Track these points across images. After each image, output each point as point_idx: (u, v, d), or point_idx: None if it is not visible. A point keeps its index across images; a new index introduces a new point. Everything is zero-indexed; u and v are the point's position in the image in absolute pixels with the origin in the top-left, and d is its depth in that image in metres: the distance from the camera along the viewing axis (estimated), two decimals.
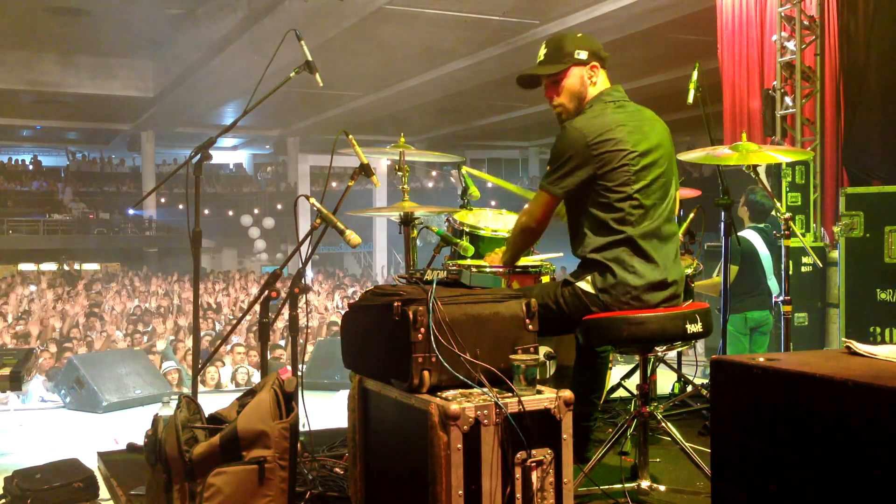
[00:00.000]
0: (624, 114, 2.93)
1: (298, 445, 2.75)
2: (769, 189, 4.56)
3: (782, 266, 4.09)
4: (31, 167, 28.16)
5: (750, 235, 5.68)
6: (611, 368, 3.80)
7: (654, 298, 2.84)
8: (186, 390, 7.00)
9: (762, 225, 5.78)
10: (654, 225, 2.86)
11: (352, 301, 2.76)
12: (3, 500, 3.42)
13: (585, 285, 2.85)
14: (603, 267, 2.83)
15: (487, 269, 3.54)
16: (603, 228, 2.85)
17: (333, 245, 21.29)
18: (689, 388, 4.35)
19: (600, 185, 2.84)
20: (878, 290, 5.56)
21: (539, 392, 2.34)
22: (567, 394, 2.34)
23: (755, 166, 3.98)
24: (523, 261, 3.68)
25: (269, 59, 3.49)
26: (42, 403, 7.20)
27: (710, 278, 5.85)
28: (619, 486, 2.83)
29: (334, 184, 19.88)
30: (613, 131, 2.84)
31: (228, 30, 13.63)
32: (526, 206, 3.03)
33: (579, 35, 3.07)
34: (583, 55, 2.96)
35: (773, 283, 5.71)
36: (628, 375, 4.35)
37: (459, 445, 2.19)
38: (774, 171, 6.49)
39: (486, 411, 2.23)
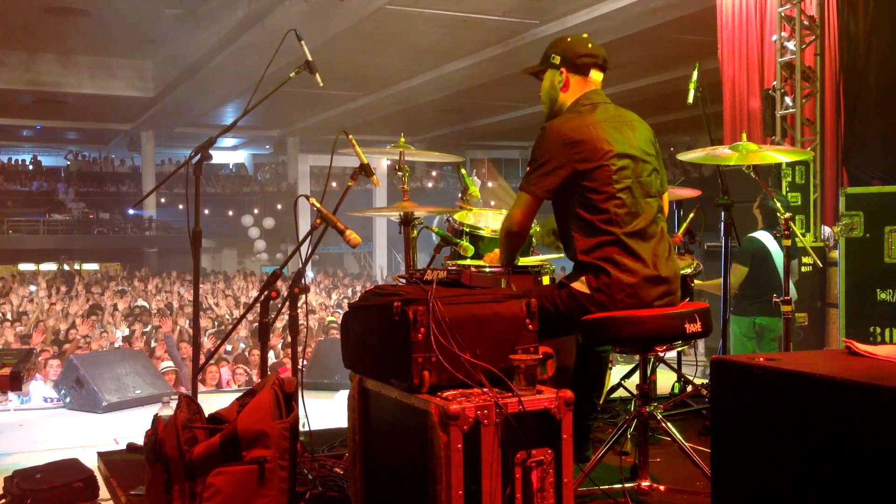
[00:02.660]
0: (603, 114, 2.97)
1: (298, 445, 2.75)
2: (769, 189, 4.55)
3: (782, 266, 4.09)
4: (31, 167, 28.16)
5: (763, 237, 5.56)
6: (611, 368, 3.80)
7: (649, 294, 2.86)
8: (186, 390, 7.00)
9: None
10: (640, 225, 2.89)
11: (352, 301, 2.76)
12: (3, 500, 3.41)
13: (580, 286, 2.86)
14: (596, 268, 2.85)
15: (487, 269, 3.54)
16: (591, 229, 2.87)
17: (333, 245, 21.28)
18: (689, 388, 4.35)
19: (582, 185, 2.88)
20: (878, 290, 5.55)
21: (539, 392, 2.34)
22: (567, 394, 2.35)
23: (756, 166, 3.98)
24: (523, 261, 3.69)
25: (269, 59, 3.50)
26: (42, 403, 7.20)
27: (718, 278, 5.77)
28: (619, 486, 2.83)
29: (334, 184, 19.85)
30: (590, 130, 2.89)
31: (228, 30, 13.62)
32: (511, 208, 3.04)
33: (569, 39, 3.12)
34: (556, 60, 3.07)
35: (791, 288, 5.56)
36: (628, 375, 4.35)
37: (459, 445, 2.19)
38: (774, 171, 6.49)
39: (486, 411, 2.23)
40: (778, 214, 4.11)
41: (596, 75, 3.08)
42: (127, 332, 11.86)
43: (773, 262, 5.52)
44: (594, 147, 2.86)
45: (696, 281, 4.21)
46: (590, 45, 3.09)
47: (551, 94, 3.10)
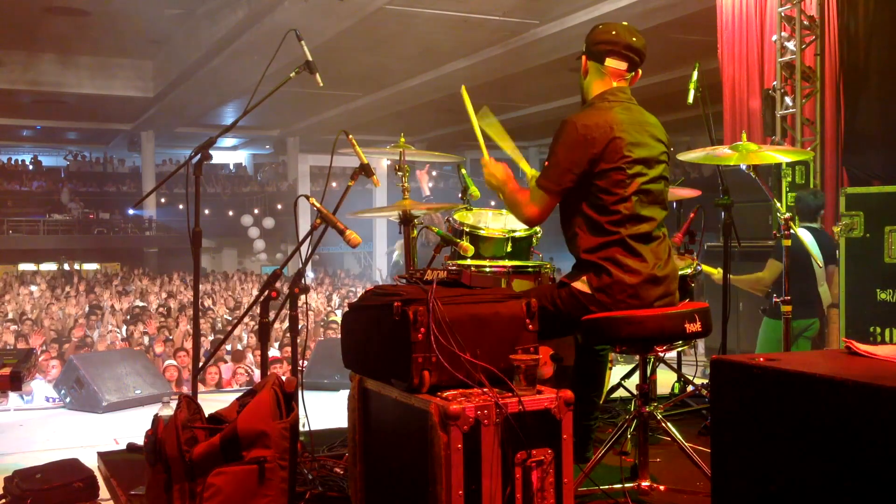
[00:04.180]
0: (626, 115, 2.93)
1: (298, 445, 2.75)
2: (769, 189, 4.54)
3: (783, 266, 4.08)
4: (31, 167, 28.16)
5: (804, 234, 5.29)
6: (611, 368, 3.80)
7: (650, 294, 2.86)
8: (186, 390, 7.00)
9: (815, 225, 5.55)
10: (645, 228, 2.88)
11: (352, 301, 2.76)
12: (3, 500, 3.41)
13: (581, 285, 2.86)
14: (598, 267, 2.84)
15: (487, 270, 3.54)
16: (597, 230, 2.86)
17: (333, 245, 21.28)
18: (689, 388, 4.35)
19: (595, 184, 2.85)
20: (878, 290, 5.54)
21: (539, 392, 2.34)
22: (567, 394, 2.35)
23: (755, 166, 3.98)
24: (522, 262, 3.70)
25: (269, 59, 3.50)
26: (44, 403, 7.20)
27: (751, 274, 5.55)
28: (619, 486, 2.83)
29: (334, 184, 19.86)
30: (613, 130, 2.85)
31: (228, 30, 13.61)
32: (529, 199, 2.98)
33: (599, 27, 3.08)
34: (583, 47, 3.08)
35: (823, 290, 5.37)
36: (628, 375, 4.35)
37: (459, 445, 2.19)
38: (774, 171, 6.48)
39: (486, 411, 2.23)
40: (778, 214, 4.10)
41: (615, 63, 2.99)
42: (126, 332, 11.85)
43: (811, 261, 5.33)
44: (612, 148, 2.83)
45: (731, 276, 4.14)
46: (613, 32, 3.01)
47: (580, 81, 3.12)
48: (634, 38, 3.01)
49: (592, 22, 11.68)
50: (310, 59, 3.47)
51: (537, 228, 3.76)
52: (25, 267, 23.56)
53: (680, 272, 3.49)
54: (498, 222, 3.96)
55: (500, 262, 3.70)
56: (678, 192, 4.41)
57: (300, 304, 3.18)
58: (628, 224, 2.85)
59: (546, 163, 2.93)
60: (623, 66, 3.01)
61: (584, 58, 3.06)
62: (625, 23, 3.08)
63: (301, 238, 3.16)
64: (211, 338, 10.62)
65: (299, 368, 3.15)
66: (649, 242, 2.90)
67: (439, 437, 2.19)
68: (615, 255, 2.84)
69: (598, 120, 2.87)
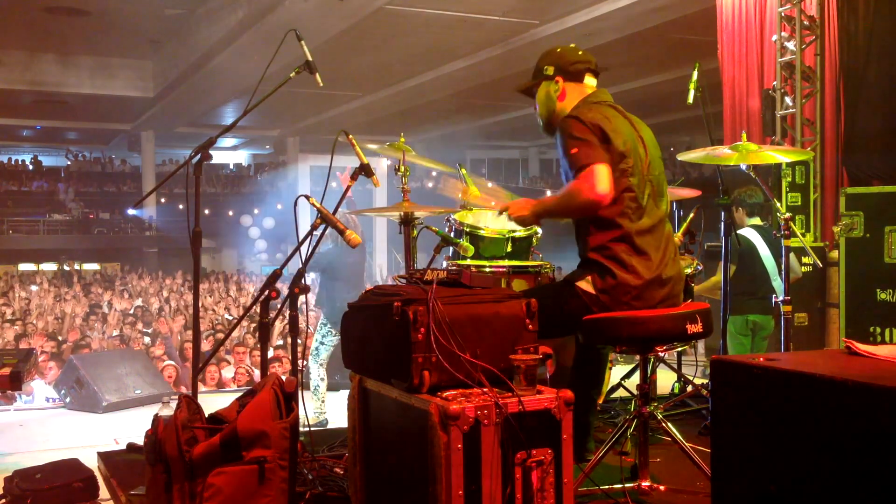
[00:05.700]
0: (613, 111, 2.99)
1: (298, 445, 2.75)
2: (769, 189, 4.55)
3: (782, 265, 4.09)
4: (31, 167, 28.18)
5: (749, 234, 5.53)
6: (611, 368, 3.80)
7: (654, 297, 2.86)
8: (185, 389, 7.00)
9: (762, 223, 5.70)
10: (649, 223, 2.89)
11: (352, 301, 2.76)
12: (3, 500, 3.41)
13: (585, 285, 2.86)
14: (603, 268, 2.84)
15: (487, 269, 3.55)
16: (605, 224, 2.86)
17: None
18: (689, 388, 4.35)
19: None
20: (878, 290, 5.55)
21: (539, 392, 2.34)
22: (567, 394, 2.35)
23: (755, 166, 3.99)
24: (522, 262, 3.70)
25: (269, 59, 3.49)
26: (44, 403, 7.20)
27: (708, 280, 5.71)
28: (619, 486, 2.83)
29: (334, 184, 19.80)
30: (609, 123, 2.89)
31: (228, 30, 13.61)
32: (578, 185, 2.77)
33: (558, 50, 3.14)
34: (549, 71, 3.08)
35: (777, 284, 5.54)
36: (628, 375, 4.35)
37: (459, 445, 2.19)
38: (774, 171, 6.49)
39: (486, 411, 2.23)
40: (778, 215, 4.11)
41: (590, 80, 3.10)
42: (126, 332, 11.84)
43: (761, 259, 5.45)
44: (613, 140, 2.86)
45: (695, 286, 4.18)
46: (580, 52, 3.13)
47: (548, 105, 3.10)
48: (593, 56, 3.15)
49: (592, 22, 11.72)
50: (310, 58, 3.47)
51: (536, 228, 3.75)
52: (25, 267, 23.57)
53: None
54: (498, 222, 3.96)
55: (500, 262, 3.71)
56: (678, 192, 4.41)
57: (300, 303, 3.18)
58: (633, 217, 2.85)
59: (573, 150, 2.79)
60: (595, 81, 3.12)
61: (559, 80, 3.05)
62: (572, 44, 3.21)
63: (301, 238, 3.16)
64: (211, 338, 10.61)
65: (299, 368, 3.15)
66: (656, 239, 2.90)
67: (439, 437, 2.19)
68: (620, 254, 2.83)
69: (596, 114, 2.92)
